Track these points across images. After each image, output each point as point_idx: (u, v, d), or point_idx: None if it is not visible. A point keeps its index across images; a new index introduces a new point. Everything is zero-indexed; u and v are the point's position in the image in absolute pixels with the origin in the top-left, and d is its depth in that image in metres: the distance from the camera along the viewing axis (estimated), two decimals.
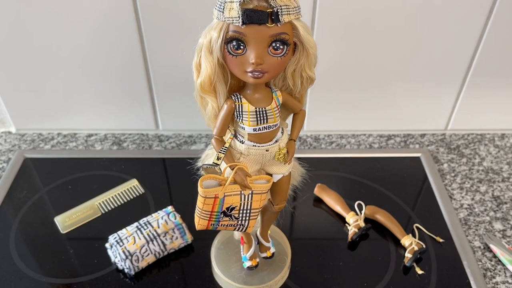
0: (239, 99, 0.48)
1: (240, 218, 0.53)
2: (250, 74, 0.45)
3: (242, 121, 0.49)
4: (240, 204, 0.52)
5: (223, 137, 0.51)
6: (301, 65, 0.47)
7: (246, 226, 0.54)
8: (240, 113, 0.48)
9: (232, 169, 0.49)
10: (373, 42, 0.78)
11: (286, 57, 0.45)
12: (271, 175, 0.54)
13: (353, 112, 0.89)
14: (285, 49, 0.44)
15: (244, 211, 0.53)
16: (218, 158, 0.49)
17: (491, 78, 0.83)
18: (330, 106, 0.88)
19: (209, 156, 0.58)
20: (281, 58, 0.45)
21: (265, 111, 0.48)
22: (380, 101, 0.87)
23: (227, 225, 0.54)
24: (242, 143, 0.50)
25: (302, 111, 0.53)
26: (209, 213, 0.51)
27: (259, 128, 0.49)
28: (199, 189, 0.49)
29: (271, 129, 0.50)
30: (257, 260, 0.64)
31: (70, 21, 0.75)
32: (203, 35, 0.45)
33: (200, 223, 0.53)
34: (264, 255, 0.64)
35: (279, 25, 0.42)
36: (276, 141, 0.51)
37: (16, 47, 0.79)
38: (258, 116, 0.48)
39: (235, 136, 0.51)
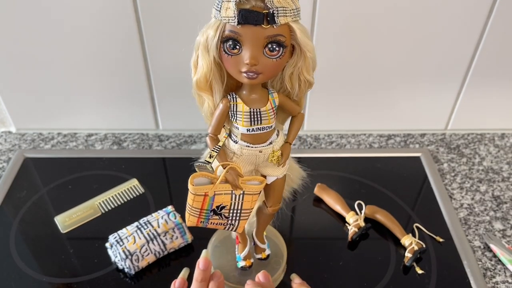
0: (234, 99, 0.48)
1: (230, 218, 0.53)
2: (244, 74, 0.44)
3: (236, 121, 0.49)
4: (231, 203, 0.52)
5: (218, 136, 0.51)
6: (299, 68, 0.47)
7: (236, 226, 0.54)
8: (235, 112, 0.48)
9: (224, 168, 0.49)
10: (373, 42, 0.78)
11: (282, 59, 0.45)
12: (265, 176, 0.54)
13: (353, 112, 0.89)
14: (281, 51, 0.44)
15: (235, 211, 0.53)
16: (210, 156, 0.49)
17: (491, 78, 0.83)
18: (330, 106, 0.88)
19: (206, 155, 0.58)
20: (276, 60, 0.44)
21: (259, 112, 0.48)
22: (380, 101, 0.87)
23: (217, 224, 0.54)
24: (236, 142, 0.50)
25: (301, 114, 0.53)
26: (199, 210, 0.51)
27: (253, 129, 0.48)
28: (189, 186, 0.49)
29: (265, 131, 0.49)
30: (252, 260, 0.64)
31: (70, 21, 0.75)
32: (201, 33, 0.45)
33: (190, 219, 0.53)
34: (259, 256, 0.64)
35: (275, 26, 0.42)
36: (271, 143, 0.51)
37: (16, 47, 0.79)
38: (252, 116, 0.48)
39: (230, 135, 0.51)
